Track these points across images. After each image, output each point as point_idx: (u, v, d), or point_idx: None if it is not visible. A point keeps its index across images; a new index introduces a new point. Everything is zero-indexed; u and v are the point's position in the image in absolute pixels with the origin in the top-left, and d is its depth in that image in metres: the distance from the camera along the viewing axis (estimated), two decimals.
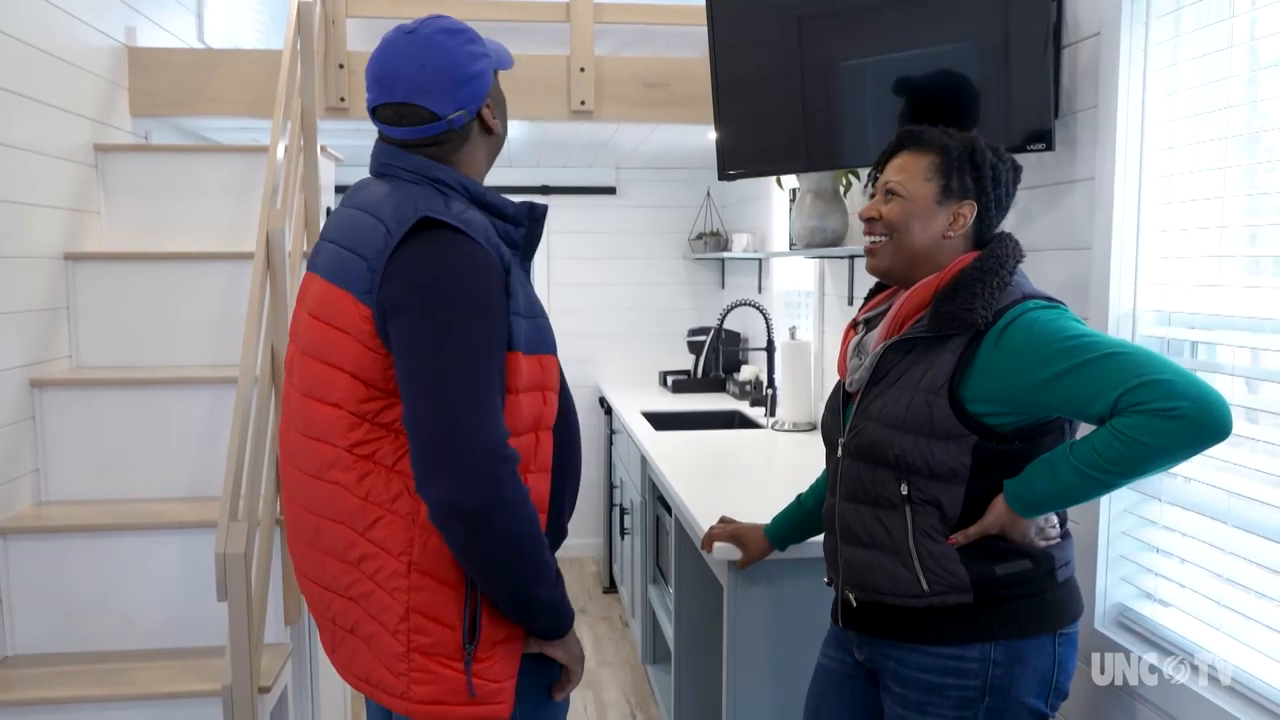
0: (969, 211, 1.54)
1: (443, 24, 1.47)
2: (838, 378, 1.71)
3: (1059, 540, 1.53)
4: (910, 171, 1.56)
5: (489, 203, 1.45)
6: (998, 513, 1.47)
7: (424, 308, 1.33)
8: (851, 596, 1.61)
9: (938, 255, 1.56)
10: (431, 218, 1.35)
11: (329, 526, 1.42)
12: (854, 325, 1.71)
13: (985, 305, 1.45)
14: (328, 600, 1.46)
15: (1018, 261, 1.53)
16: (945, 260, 1.55)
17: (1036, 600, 1.50)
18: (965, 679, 1.49)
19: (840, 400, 1.68)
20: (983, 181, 1.54)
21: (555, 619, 1.44)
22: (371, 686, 1.43)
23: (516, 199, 1.48)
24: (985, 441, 1.46)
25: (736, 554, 2.02)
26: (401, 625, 1.38)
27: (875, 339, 1.60)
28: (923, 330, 1.51)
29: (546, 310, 1.52)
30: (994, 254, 1.51)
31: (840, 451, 1.62)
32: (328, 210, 3.11)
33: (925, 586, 1.50)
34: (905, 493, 1.51)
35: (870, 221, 1.59)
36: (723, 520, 2.09)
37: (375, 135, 1.49)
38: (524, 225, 1.48)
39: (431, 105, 1.43)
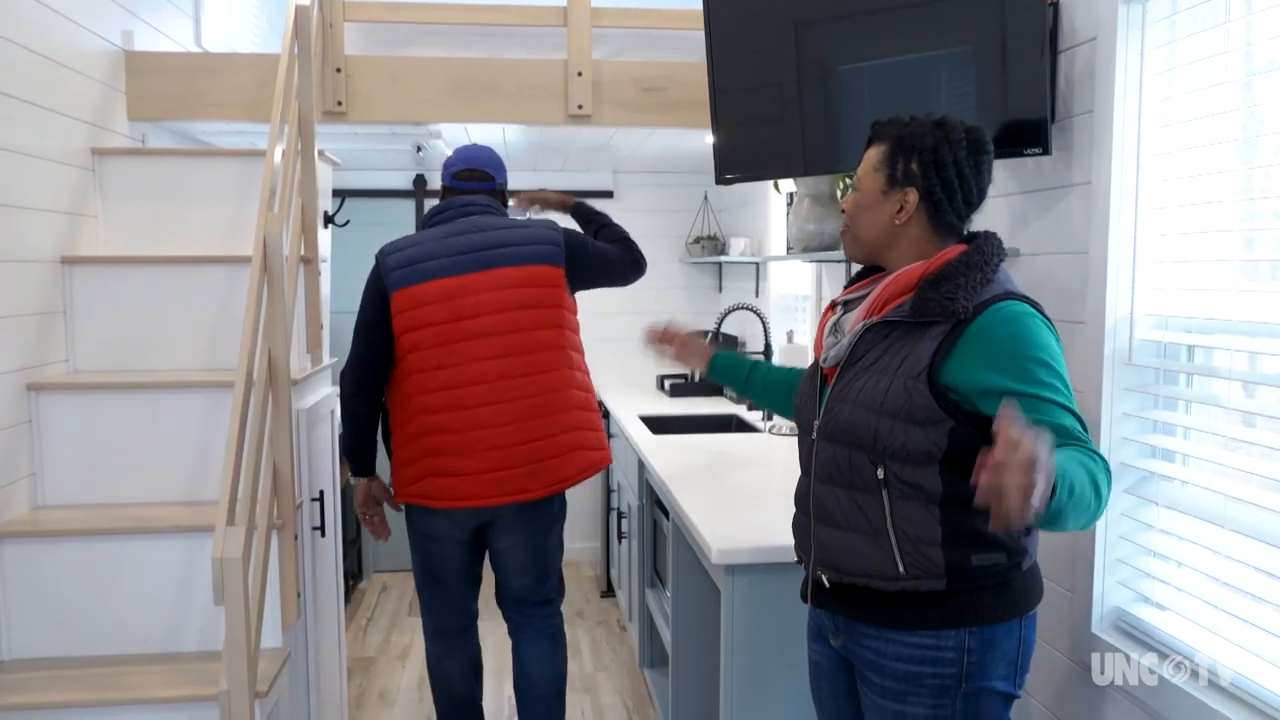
0: (912, 198, 1.56)
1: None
2: (813, 358, 1.73)
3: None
4: (867, 163, 1.61)
5: None
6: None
7: None
8: (824, 577, 1.62)
9: (897, 242, 1.59)
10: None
11: None
12: (833, 306, 1.73)
13: (967, 296, 1.47)
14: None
15: (1001, 259, 1.55)
16: (907, 247, 1.58)
17: (1005, 588, 1.52)
18: (942, 667, 1.51)
19: (816, 383, 1.69)
20: (925, 167, 1.54)
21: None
22: None
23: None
24: (961, 426, 1.47)
25: (734, 558, 2.03)
26: None
27: (854, 319, 1.61)
28: (904, 315, 1.53)
29: None
30: (980, 250, 1.53)
31: (815, 433, 1.63)
32: (325, 214, 3.11)
33: (901, 569, 1.51)
34: (881, 476, 1.52)
35: (844, 213, 1.66)
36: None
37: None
38: None
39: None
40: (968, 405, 1.46)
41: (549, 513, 2.69)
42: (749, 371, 2.03)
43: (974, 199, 1.57)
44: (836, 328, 1.67)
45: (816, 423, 1.63)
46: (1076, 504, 1.28)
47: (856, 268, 1.76)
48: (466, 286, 2.51)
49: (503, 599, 2.79)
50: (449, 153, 2.81)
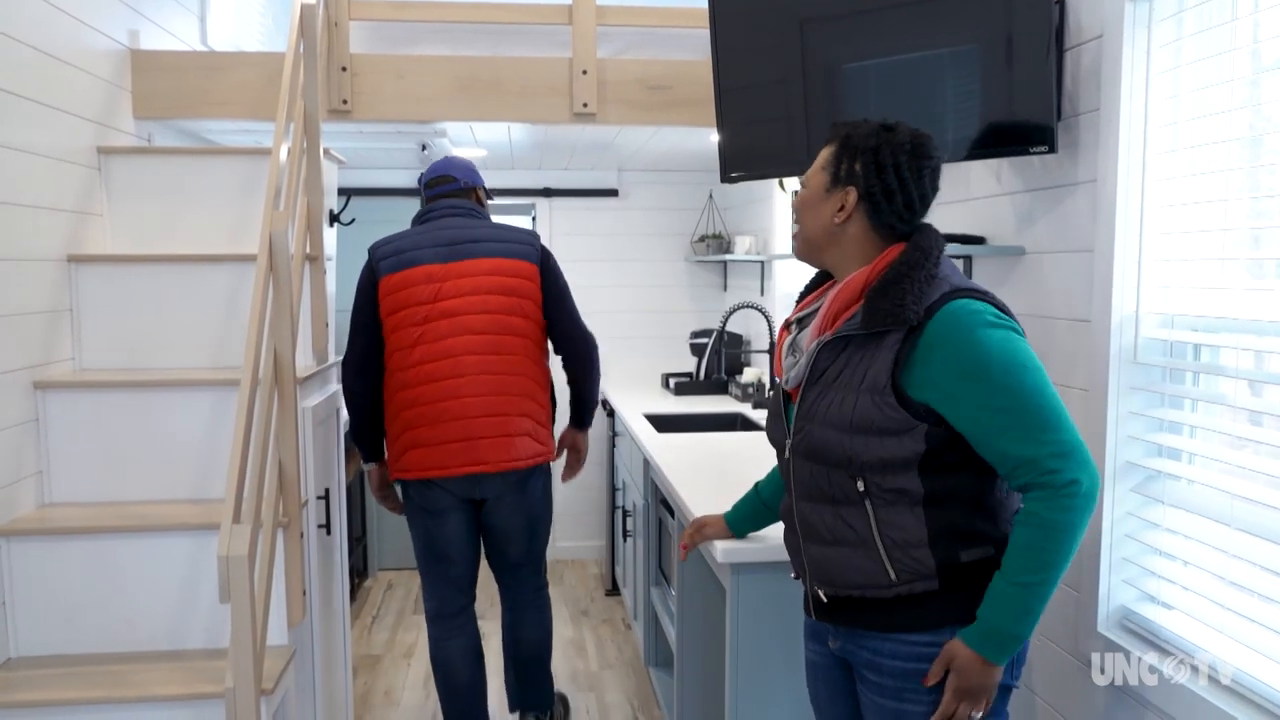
0: (851, 198, 1.56)
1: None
2: (778, 379, 1.73)
3: None
4: (816, 162, 1.64)
5: None
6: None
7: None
8: (821, 592, 1.62)
9: (839, 241, 1.59)
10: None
11: None
12: (787, 325, 1.72)
13: (916, 300, 1.47)
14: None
15: (941, 252, 1.54)
16: (850, 247, 1.58)
17: None
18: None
19: (781, 402, 1.68)
20: (866, 168, 1.55)
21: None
22: None
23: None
24: (936, 428, 1.47)
25: (738, 556, 2.03)
26: None
27: (809, 337, 1.61)
28: (856, 328, 1.52)
29: None
30: (918, 247, 1.52)
31: (789, 453, 1.63)
32: (330, 212, 3.11)
33: (893, 576, 1.51)
34: (862, 489, 1.52)
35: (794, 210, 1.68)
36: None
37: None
38: None
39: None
40: (938, 409, 1.47)
41: (536, 481, 2.88)
42: (756, 499, 2.03)
43: (915, 203, 1.56)
44: (794, 347, 1.66)
45: (788, 442, 1.63)
46: (1036, 592, 1.42)
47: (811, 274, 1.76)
48: (446, 272, 2.76)
49: (496, 566, 2.97)
50: (452, 151, 2.87)
